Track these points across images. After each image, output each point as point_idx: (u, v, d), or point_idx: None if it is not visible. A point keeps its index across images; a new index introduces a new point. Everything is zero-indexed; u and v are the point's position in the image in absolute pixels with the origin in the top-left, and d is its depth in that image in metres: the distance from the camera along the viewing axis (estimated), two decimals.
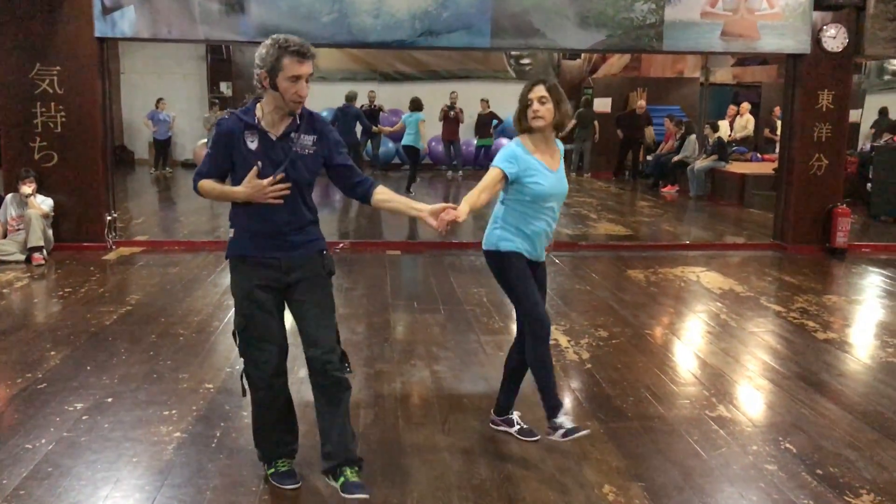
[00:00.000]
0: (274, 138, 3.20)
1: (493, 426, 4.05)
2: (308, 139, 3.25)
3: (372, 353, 5.13)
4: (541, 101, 3.64)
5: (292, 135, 3.22)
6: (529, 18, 8.31)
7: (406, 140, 13.43)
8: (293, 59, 3.07)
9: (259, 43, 3.20)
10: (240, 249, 3.29)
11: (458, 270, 7.73)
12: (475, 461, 3.70)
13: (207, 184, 3.32)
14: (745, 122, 15.81)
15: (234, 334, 3.36)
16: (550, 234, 3.92)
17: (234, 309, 3.38)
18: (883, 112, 14.55)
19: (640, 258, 8.54)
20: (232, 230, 3.32)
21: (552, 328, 5.82)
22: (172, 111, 16.67)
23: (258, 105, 3.23)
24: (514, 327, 5.86)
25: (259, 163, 3.17)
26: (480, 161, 17.35)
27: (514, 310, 3.97)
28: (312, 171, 3.29)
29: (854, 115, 13.08)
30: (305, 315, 3.30)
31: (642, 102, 16.10)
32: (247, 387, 3.40)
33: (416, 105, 13.38)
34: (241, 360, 3.39)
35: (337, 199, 12.48)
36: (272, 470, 3.45)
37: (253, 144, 3.19)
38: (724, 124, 15.49)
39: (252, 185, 3.15)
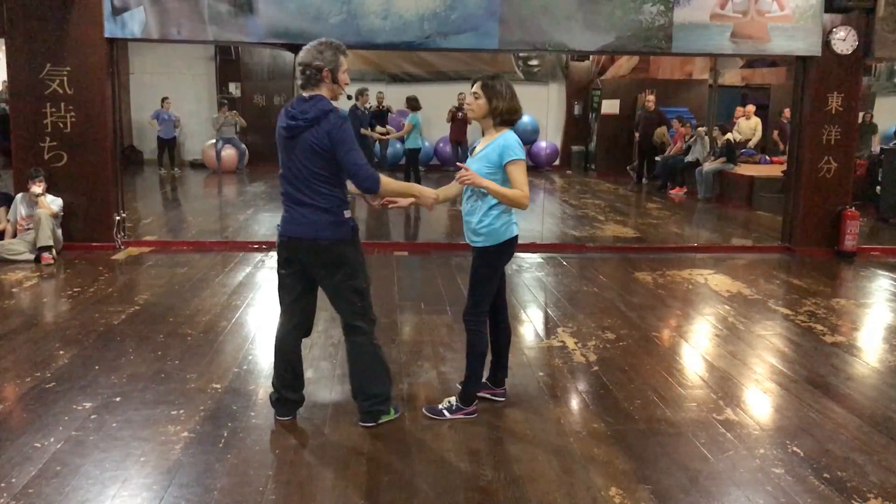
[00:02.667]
0: None
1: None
2: None
3: None
4: (474, 95, 4.00)
5: None
6: (538, 20, 8.31)
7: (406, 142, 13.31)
8: (344, 58, 3.85)
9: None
10: (352, 228, 3.90)
11: (466, 271, 7.66)
12: (482, 463, 3.70)
13: (389, 182, 3.96)
14: (754, 125, 15.72)
15: (360, 291, 3.95)
16: None
17: (356, 271, 3.92)
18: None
19: (647, 260, 8.52)
20: (347, 212, 3.85)
21: (559, 330, 5.84)
22: (181, 112, 16.73)
23: (325, 96, 3.81)
24: (521, 329, 5.89)
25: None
26: None
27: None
28: None
29: None
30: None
31: (651, 97, 16.00)
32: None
33: (413, 104, 13.31)
34: (363, 311, 3.98)
35: None
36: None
37: None
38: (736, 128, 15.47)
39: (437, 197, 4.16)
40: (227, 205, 12.41)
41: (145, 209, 11.69)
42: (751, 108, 15.96)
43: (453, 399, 4.26)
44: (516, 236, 4.13)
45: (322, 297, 4.07)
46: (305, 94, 3.82)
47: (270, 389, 4.19)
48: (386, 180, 3.88)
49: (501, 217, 4.02)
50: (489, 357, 4.33)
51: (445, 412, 4.20)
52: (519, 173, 3.89)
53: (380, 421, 4.06)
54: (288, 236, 3.90)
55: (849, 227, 8.81)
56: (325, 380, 4.71)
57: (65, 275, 7.35)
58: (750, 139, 15.62)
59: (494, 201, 3.97)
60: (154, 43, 11.29)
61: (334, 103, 3.82)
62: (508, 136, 3.95)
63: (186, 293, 6.72)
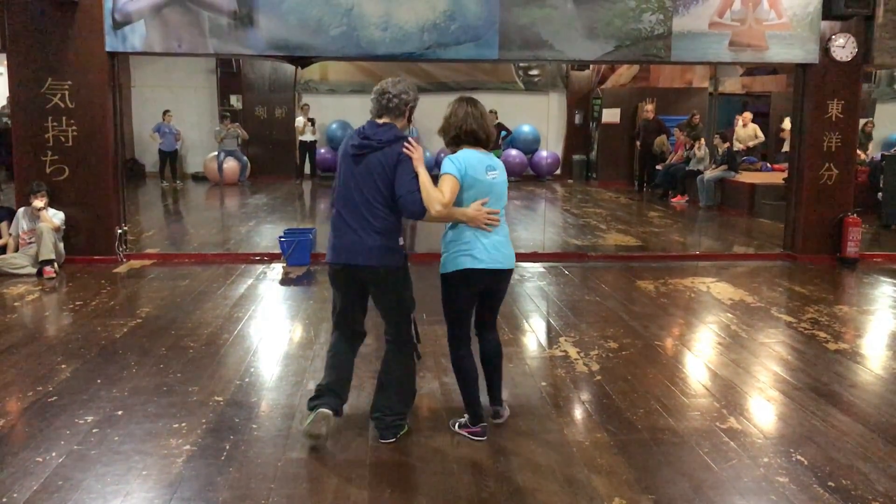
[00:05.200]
0: None
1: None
2: None
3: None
4: None
5: None
6: (537, 30, 8.33)
7: None
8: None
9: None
10: (404, 256, 3.96)
11: None
12: (484, 474, 3.69)
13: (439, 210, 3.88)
14: (752, 132, 15.69)
15: (408, 315, 4.07)
16: None
17: (406, 292, 4.04)
18: None
19: (649, 269, 8.52)
20: (401, 239, 3.92)
21: (561, 339, 5.83)
22: (183, 124, 16.78)
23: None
24: (523, 339, 5.88)
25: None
26: None
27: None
28: None
29: None
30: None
31: (650, 107, 16.06)
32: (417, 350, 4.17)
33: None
34: (408, 333, 4.09)
35: None
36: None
37: None
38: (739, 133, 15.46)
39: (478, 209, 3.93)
40: (228, 217, 12.43)
41: (147, 222, 11.70)
42: (747, 115, 15.95)
43: (465, 417, 4.17)
44: (468, 270, 3.92)
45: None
46: (379, 121, 3.93)
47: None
48: (435, 212, 3.79)
49: (451, 246, 3.98)
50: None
51: (454, 425, 4.18)
52: (441, 182, 3.87)
53: (399, 435, 4.06)
54: (343, 263, 3.92)
55: (851, 233, 8.80)
56: None
57: (67, 288, 7.35)
58: (749, 146, 15.57)
59: (449, 226, 4.01)
60: (155, 56, 11.34)
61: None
62: (456, 154, 3.97)
63: (188, 306, 6.72)
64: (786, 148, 14.98)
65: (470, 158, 3.94)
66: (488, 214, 3.93)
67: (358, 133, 3.93)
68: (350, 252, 3.87)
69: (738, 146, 15.18)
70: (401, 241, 3.92)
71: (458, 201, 3.89)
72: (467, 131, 3.99)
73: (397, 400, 4.07)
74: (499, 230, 4.02)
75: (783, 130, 15.27)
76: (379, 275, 3.90)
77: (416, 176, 3.81)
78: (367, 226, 3.83)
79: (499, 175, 4.06)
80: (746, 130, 15.68)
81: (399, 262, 3.92)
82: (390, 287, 3.96)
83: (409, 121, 4.01)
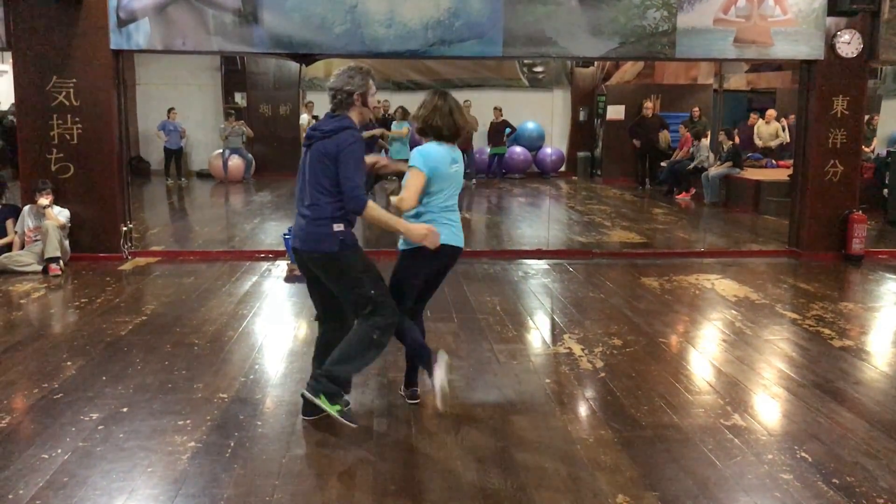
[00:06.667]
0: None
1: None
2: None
3: (385, 362, 5.12)
4: None
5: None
6: (541, 27, 8.32)
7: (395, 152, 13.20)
8: (373, 81, 4.01)
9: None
10: (353, 238, 4.01)
11: (471, 279, 7.73)
12: (488, 470, 3.69)
13: (376, 209, 3.97)
14: (774, 130, 15.40)
15: (368, 297, 4.00)
16: None
17: (359, 279, 3.99)
18: None
19: (654, 265, 8.51)
20: (341, 224, 3.92)
21: (565, 336, 5.83)
22: (188, 122, 16.80)
23: (350, 117, 3.97)
24: (527, 336, 5.88)
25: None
26: (494, 169, 17.39)
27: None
28: None
29: None
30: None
31: (649, 104, 16.04)
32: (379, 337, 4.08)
33: (402, 114, 13.26)
34: (374, 311, 4.02)
35: None
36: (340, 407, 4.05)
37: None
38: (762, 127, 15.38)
39: (431, 231, 3.98)
40: (233, 214, 12.45)
41: (152, 219, 11.72)
42: (771, 112, 15.66)
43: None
44: (443, 244, 4.13)
45: None
46: (333, 115, 4.04)
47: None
48: (372, 206, 3.94)
49: (422, 220, 4.17)
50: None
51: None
52: (409, 177, 4.10)
53: (316, 400, 3.99)
54: (295, 247, 4.10)
55: (856, 230, 8.78)
56: None
57: (72, 286, 7.38)
58: (770, 145, 15.30)
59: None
60: (160, 54, 11.34)
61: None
62: (424, 149, 4.14)
63: (193, 303, 6.74)
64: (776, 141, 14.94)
65: (436, 153, 4.13)
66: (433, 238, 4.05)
67: (310, 127, 4.11)
68: (296, 236, 4.07)
69: (758, 143, 15.03)
70: (337, 228, 3.92)
71: (426, 190, 4.15)
72: (433, 126, 4.16)
73: (339, 365, 4.03)
74: (454, 215, 4.26)
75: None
76: (315, 260, 4.02)
77: (356, 167, 3.88)
78: (305, 211, 4.00)
79: (459, 166, 4.30)
80: (769, 128, 15.37)
81: (334, 247, 3.93)
82: (332, 273, 4.04)
83: (366, 105, 4.02)
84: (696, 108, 15.76)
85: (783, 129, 15.14)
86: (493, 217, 12.75)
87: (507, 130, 16.98)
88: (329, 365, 4.05)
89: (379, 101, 16.19)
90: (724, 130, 14.24)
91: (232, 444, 3.93)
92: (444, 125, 4.13)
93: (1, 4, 7.98)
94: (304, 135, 4.06)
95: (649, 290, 7.42)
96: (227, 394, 4.61)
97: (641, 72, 18.07)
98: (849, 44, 8.64)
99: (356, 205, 3.87)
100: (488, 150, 17.32)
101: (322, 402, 3.99)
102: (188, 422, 4.20)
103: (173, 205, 14.35)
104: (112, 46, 8.10)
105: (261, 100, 17.83)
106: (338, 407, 4.01)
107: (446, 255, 4.22)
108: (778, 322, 6.34)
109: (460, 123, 4.18)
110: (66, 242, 8.01)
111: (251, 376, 4.94)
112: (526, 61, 17.83)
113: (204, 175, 17.25)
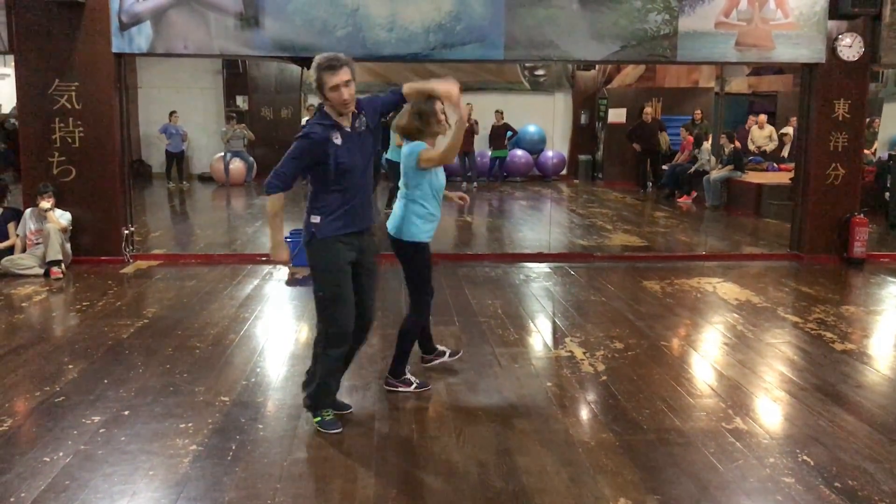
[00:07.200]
0: (349, 130, 3.96)
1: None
2: (363, 120, 4.03)
3: (387, 365, 5.12)
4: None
5: (356, 123, 4.00)
6: (543, 30, 8.33)
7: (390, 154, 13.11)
8: (327, 73, 3.82)
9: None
10: (331, 231, 3.96)
11: (473, 282, 7.73)
12: (490, 474, 3.69)
13: (279, 200, 4.00)
14: (768, 134, 15.54)
15: (318, 299, 4.03)
16: None
17: (315, 277, 4.03)
18: None
19: (655, 269, 8.51)
20: (318, 216, 3.95)
21: (567, 340, 5.83)
22: (189, 125, 16.82)
23: (325, 110, 3.96)
24: (529, 339, 5.88)
25: None
26: (495, 172, 17.39)
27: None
28: (373, 146, 4.08)
29: None
30: (364, 285, 4.14)
31: (649, 109, 16.07)
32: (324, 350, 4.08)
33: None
34: (321, 320, 4.07)
35: None
36: (320, 418, 4.14)
37: (338, 140, 3.91)
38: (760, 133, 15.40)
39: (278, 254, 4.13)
40: (235, 218, 12.46)
41: (154, 223, 11.73)
42: (763, 117, 15.81)
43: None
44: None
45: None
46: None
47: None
48: (274, 200, 4.00)
49: (415, 218, 4.87)
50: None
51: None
52: (430, 149, 4.56)
53: (312, 415, 4.19)
54: None
55: (857, 233, 8.77)
56: None
57: (74, 289, 7.38)
58: (764, 147, 15.42)
59: (406, 197, 4.74)
60: (161, 57, 11.37)
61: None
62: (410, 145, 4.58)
63: (195, 306, 6.74)
64: (784, 153, 14.91)
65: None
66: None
67: None
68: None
69: (752, 147, 15.08)
70: (313, 219, 3.99)
71: (417, 182, 4.60)
72: (399, 126, 4.59)
73: (308, 382, 4.20)
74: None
75: (785, 134, 15.22)
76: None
77: (288, 155, 3.98)
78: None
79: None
80: (762, 132, 15.52)
81: (307, 237, 4.03)
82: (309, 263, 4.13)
83: (325, 97, 3.93)
84: (698, 112, 15.80)
85: (785, 133, 15.16)
86: (495, 220, 12.74)
87: (509, 133, 16.98)
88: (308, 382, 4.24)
89: None
90: (725, 134, 14.25)
91: (233, 448, 3.93)
92: (407, 124, 4.58)
93: (3, 8, 8.00)
94: None
95: (651, 293, 7.41)
96: (229, 397, 4.61)
97: (643, 75, 18.07)
98: (850, 47, 8.64)
99: (266, 189, 3.99)
100: (489, 153, 17.32)
101: (315, 419, 4.20)
102: (190, 425, 4.20)
103: (175, 208, 14.36)
104: (114, 50, 8.12)
105: (262, 103, 17.85)
106: (316, 419, 4.16)
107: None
108: (779, 325, 6.33)
109: (432, 127, 4.57)
110: (68, 245, 8.01)
111: (253, 379, 4.94)
112: (527, 64, 17.83)
113: (205, 178, 17.26)
